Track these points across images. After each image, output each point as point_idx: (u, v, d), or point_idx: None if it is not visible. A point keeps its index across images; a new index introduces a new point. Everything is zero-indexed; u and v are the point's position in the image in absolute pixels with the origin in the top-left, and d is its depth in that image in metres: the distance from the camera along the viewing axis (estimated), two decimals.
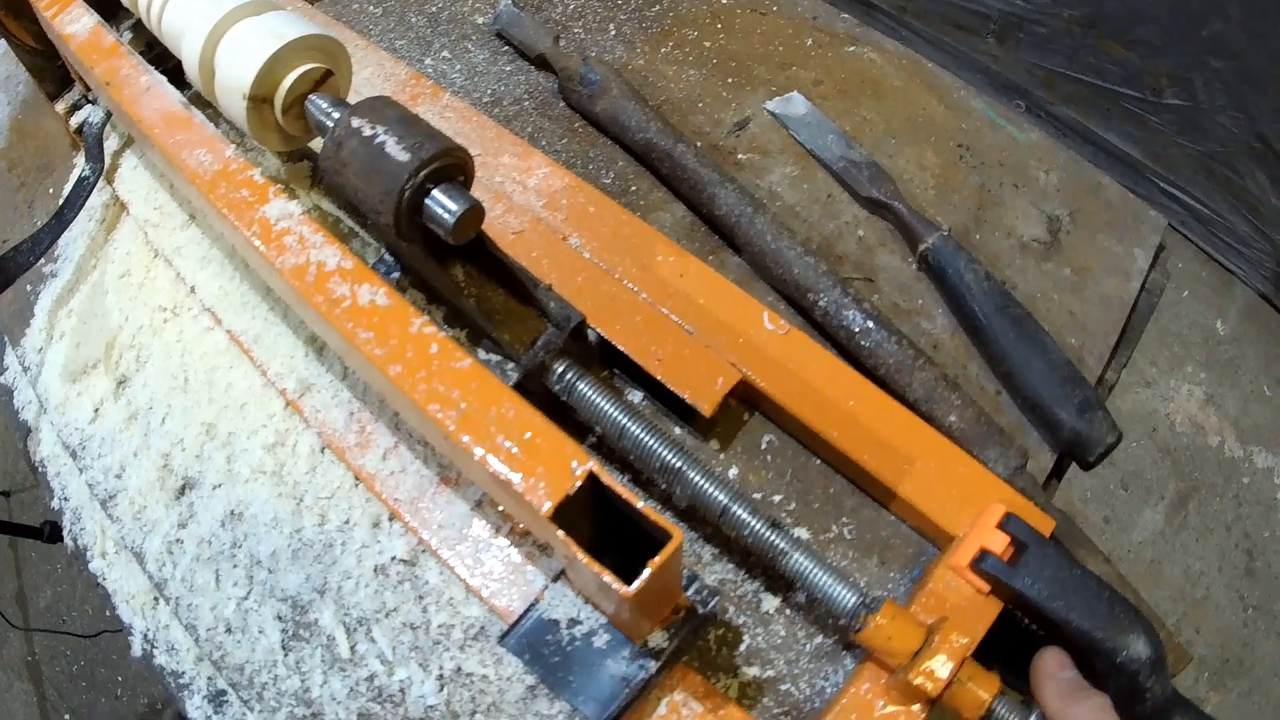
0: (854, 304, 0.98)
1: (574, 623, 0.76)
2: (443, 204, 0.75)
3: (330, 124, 0.84)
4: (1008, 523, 0.78)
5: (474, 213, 0.75)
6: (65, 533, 1.03)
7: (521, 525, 0.86)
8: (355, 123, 0.78)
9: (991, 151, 1.22)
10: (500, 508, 0.87)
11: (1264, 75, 2.32)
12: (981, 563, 0.76)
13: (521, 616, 0.78)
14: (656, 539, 0.62)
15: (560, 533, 0.62)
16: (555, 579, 0.79)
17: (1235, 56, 2.34)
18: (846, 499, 0.91)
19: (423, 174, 0.74)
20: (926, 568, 0.84)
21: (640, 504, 0.63)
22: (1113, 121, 2.74)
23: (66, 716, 2.54)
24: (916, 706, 0.73)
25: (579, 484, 0.64)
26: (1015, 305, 1.02)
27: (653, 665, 0.73)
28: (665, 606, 0.74)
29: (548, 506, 0.64)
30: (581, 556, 0.61)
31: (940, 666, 0.70)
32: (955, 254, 1.05)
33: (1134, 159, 2.77)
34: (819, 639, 0.84)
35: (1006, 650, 0.77)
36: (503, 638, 0.78)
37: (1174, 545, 2.52)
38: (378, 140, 0.76)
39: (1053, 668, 0.73)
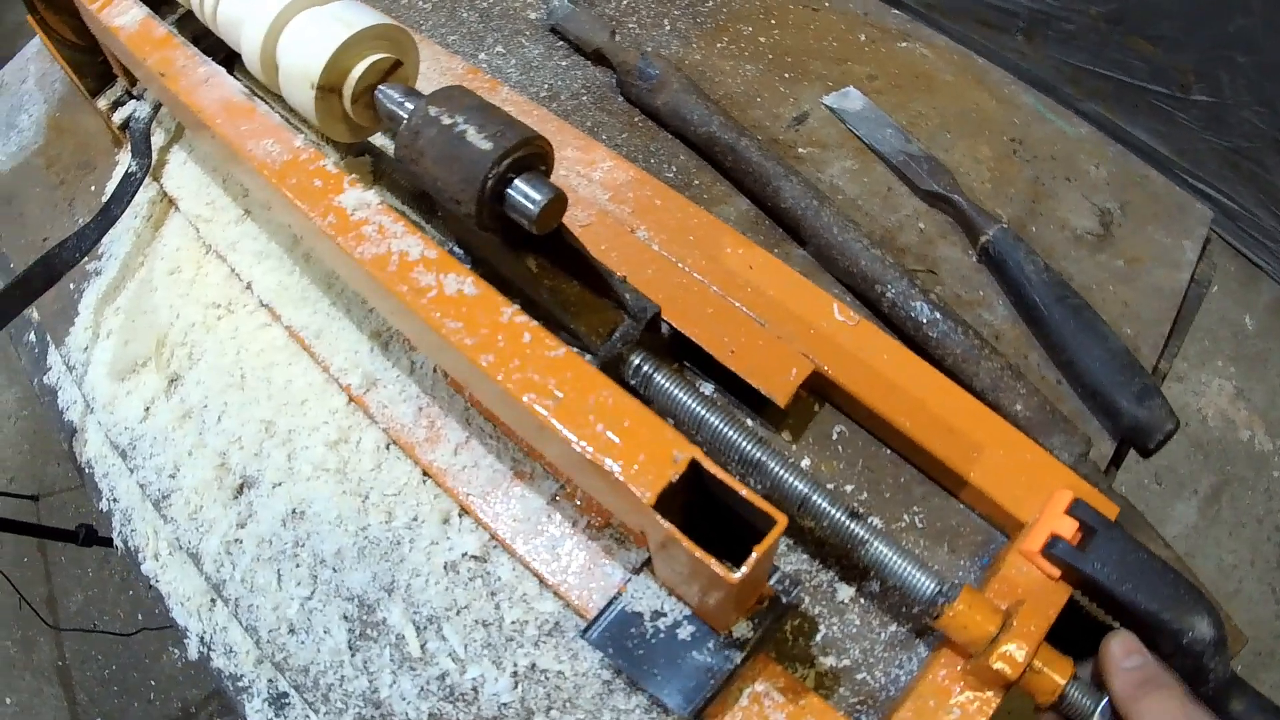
0: (921, 295, 0.98)
1: (658, 615, 0.76)
2: (526, 193, 0.74)
3: (404, 114, 0.83)
4: (1076, 508, 0.78)
5: (558, 202, 0.74)
6: (115, 534, 1.02)
7: (599, 519, 0.86)
8: (433, 111, 0.77)
9: (1043, 145, 1.23)
10: (577, 501, 0.87)
11: None
12: (1052, 548, 0.76)
13: (604, 610, 0.77)
14: (757, 526, 0.62)
15: (664, 521, 0.62)
16: (637, 571, 0.79)
17: (1259, 51, 2.35)
18: (916, 488, 0.91)
19: (505, 163, 0.73)
20: (997, 554, 0.85)
21: (742, 490, 0.62)
22: (1139, 118, 2.74)
23: None
24: (992, 692, 0.73)
25: (682, 472, 0.63)
26: (1074, 295, 1.03)
27: (737, 656, 0.73)
28: (753, 595, 0.74)
29: (648, 495, 0.63)
30: (686, 544, 0.60)
31: (1018, 651, 0.70)
32: (1015, 245, 1.05)
33: (1161, 155, 2.77)
34: (893, 627, 0.84)
35: (1067, 634, 0.77)
36: (585, 631, 0.77)
37: (1207, 539, 2.53)
38: (458, 129, 0.75)
39: (1120, 656, 0.72)
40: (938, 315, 0.97)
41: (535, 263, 0.83)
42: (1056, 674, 0.70)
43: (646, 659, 0.74)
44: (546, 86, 1.24)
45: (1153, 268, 1.13)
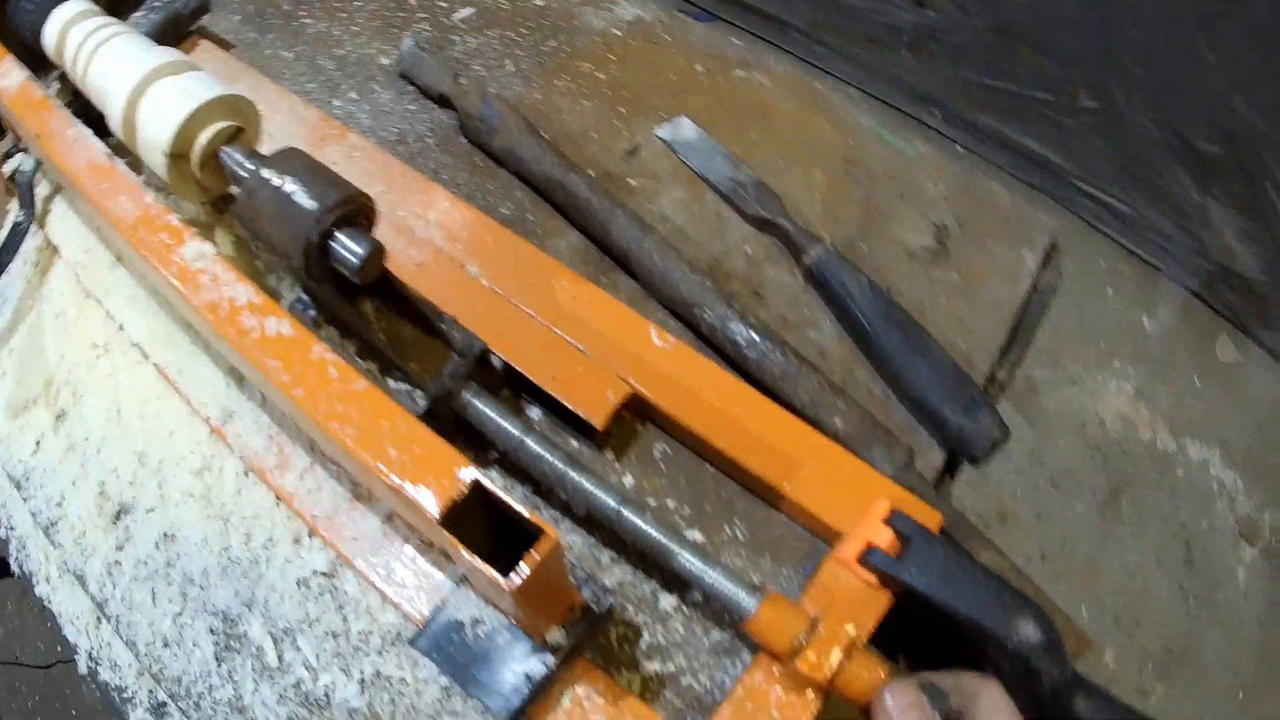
0: (738, 317, 1.03)
1: (477, 623, 0.81)
2: (347, 246, 0.81)
3: (245, 174, 0.90)
4: (893, 518, 0.83)
5: (377, 253, 0.82)
6: (12, 560, 1.07)
7: (426, 537, 0.92)
8: (266, 173, 0.84)
9: (878, 165, 1.29)
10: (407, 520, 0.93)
11: (1180, 75, 2.34)
12: (869, 557, 0.81)
13: (429, 619, 0.83)
14: (536, 537, 0.68)
15: (448, 534, 0.68)
16: (459, 583, 0.85)
17: (1151, 59, 2.37)
18: (738, 502, 0.96)
19: (328, 219, 0.81)
20: (818, 563, 0.88)
21: (518, 506, 0.68)
22: (1030, 126, 2.74)
23: None
24: (810, 693, 0.77)
25: (465, 491, 0.70)
26: (900, 311, 1.08)
27: (552, 660, 0.79)
28: (559, 604, 0.80)
29: (436, 512, 0.70)
30: (466, 554, 0.66)
31: (822, 653, 0.74)
32: (839, 265, 1.10)
33: (1054, 163, 2.80)
34: (716, 634, 0.89)
35: (919, 640, 0.83)
36: (413, 640, 0.83)
37: (1109, 540, 2.51)
38: (286, 190, 0.82)
39: (894, 709, 0.72)
40: (755, 336, 1.02)
41: (372, 307, 0.89)
42: (871, 673, 0.73)
43: (469, 665, 0.80)
44: (395, 131, 1.28)
45: (991, 281, 1.18)
